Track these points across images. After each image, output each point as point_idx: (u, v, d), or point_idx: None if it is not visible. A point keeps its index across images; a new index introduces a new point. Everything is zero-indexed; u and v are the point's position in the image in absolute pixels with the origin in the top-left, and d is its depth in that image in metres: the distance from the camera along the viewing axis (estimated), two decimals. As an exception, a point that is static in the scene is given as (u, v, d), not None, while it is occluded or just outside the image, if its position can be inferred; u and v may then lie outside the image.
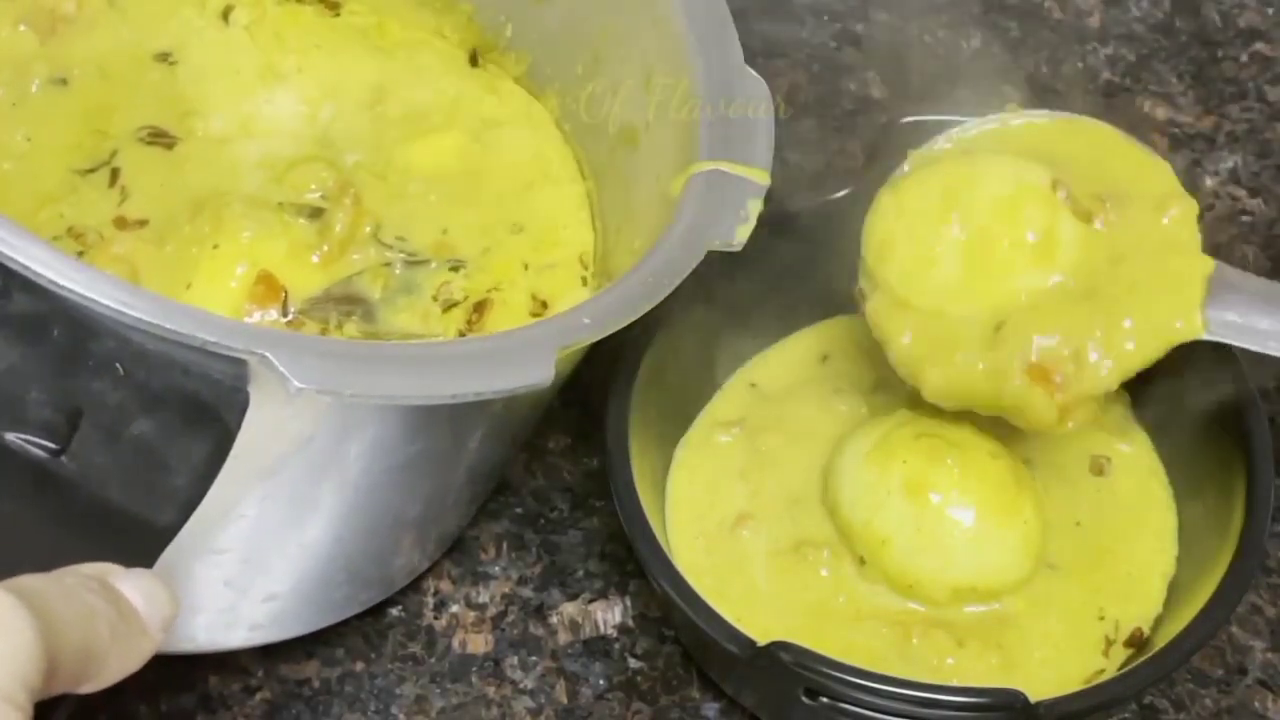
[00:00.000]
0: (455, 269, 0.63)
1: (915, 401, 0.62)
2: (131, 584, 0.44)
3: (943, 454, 0.60)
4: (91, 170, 0.63)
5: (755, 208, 0.58)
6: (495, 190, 0.66)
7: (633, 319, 0.54)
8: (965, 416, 0.61)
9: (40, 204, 0.62)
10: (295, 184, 0.63)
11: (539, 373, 0.50)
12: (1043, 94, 0.81)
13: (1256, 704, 0.62)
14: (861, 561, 0.61)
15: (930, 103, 0.80)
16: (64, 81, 0.65)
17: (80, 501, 0.46)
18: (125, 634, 0.43)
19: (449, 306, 0.62)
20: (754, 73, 0.62)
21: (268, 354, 0.46)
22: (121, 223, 0.61)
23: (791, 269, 0.68)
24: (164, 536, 0.47)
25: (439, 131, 0.67)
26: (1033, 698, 0.54)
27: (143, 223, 0.61)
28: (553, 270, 0.64)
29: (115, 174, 0.63)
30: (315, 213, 0.62)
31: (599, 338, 0.53)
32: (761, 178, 0.59)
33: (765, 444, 0.65)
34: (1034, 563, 0.61)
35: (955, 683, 0.58)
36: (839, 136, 0.80)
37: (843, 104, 0.81)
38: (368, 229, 0.62)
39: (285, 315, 0.59)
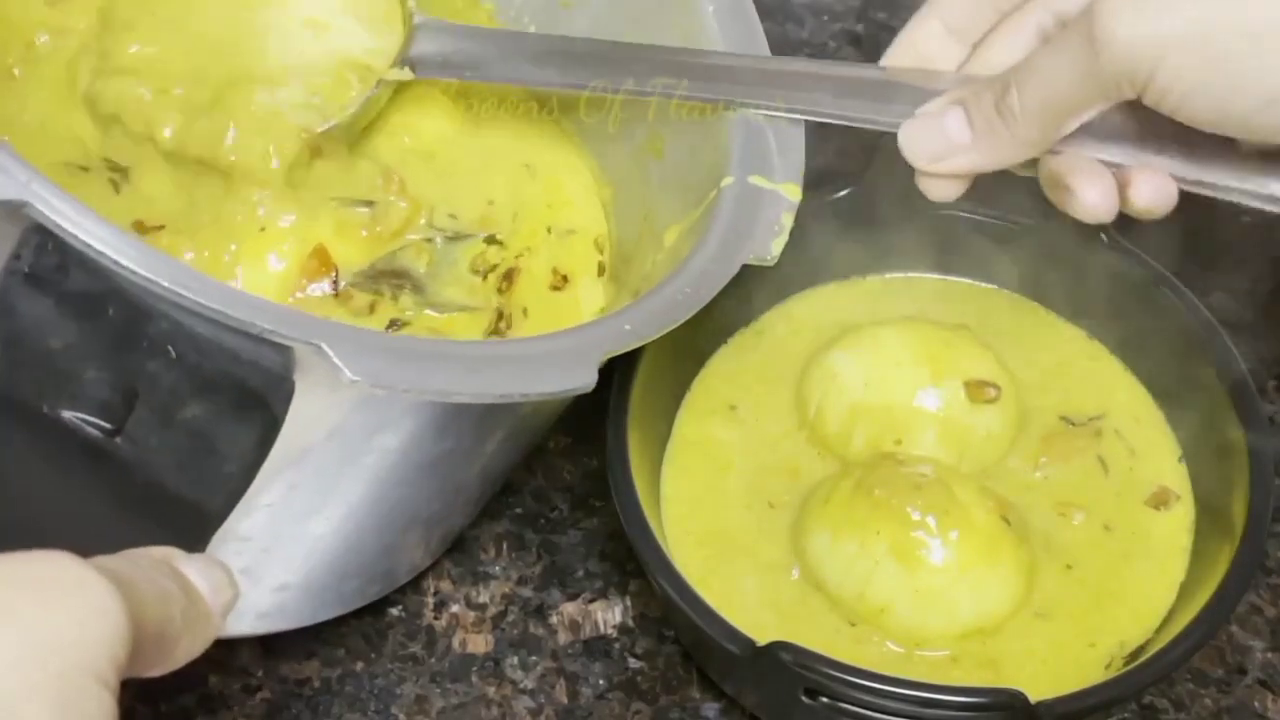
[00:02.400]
0: (490, 241, 0.63)
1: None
2: (196, 568, 0.44)
3: (910, 508, 0.59)
4: (122, 169, 0.63)
5: (789, 221, 0.59)
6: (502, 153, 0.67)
7: (672, 327, 0.55)
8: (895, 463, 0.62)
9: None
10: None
11: (583, 377, 0.51)
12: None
13: (1256, 704, 0.62)
14: (851, 624, 0.60)
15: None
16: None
17: (135, 483, 0.46)
18: (194, 618, 0.43)
19: (483, 274, 0.62)
20: None
21: (323, 345, 0.47)
22: (140, 227, 0.62)
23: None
24: (213, 522, 0.47)
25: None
26: (1032, 698, 0.54)
27: (160, 227, 0.62)
28: (572, 237, 0.65)
29: (125, 173, 0.63)
30: (366, 203, 0.62)
31: (640, 344, 0.54)
32: (794, 193, 0.60)
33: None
34: (1029, 583, 0.61)
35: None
36: (839, 136, 0.79)
37: (843, 104, 0.81)
38: (423, 220, 0.63)
39: (336, 289, 0.60)
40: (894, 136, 0.65)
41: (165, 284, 0.46)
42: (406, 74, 0.64)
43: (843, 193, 0.68)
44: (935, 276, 0.70)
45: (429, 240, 0.63)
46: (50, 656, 0.37)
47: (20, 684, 0.37)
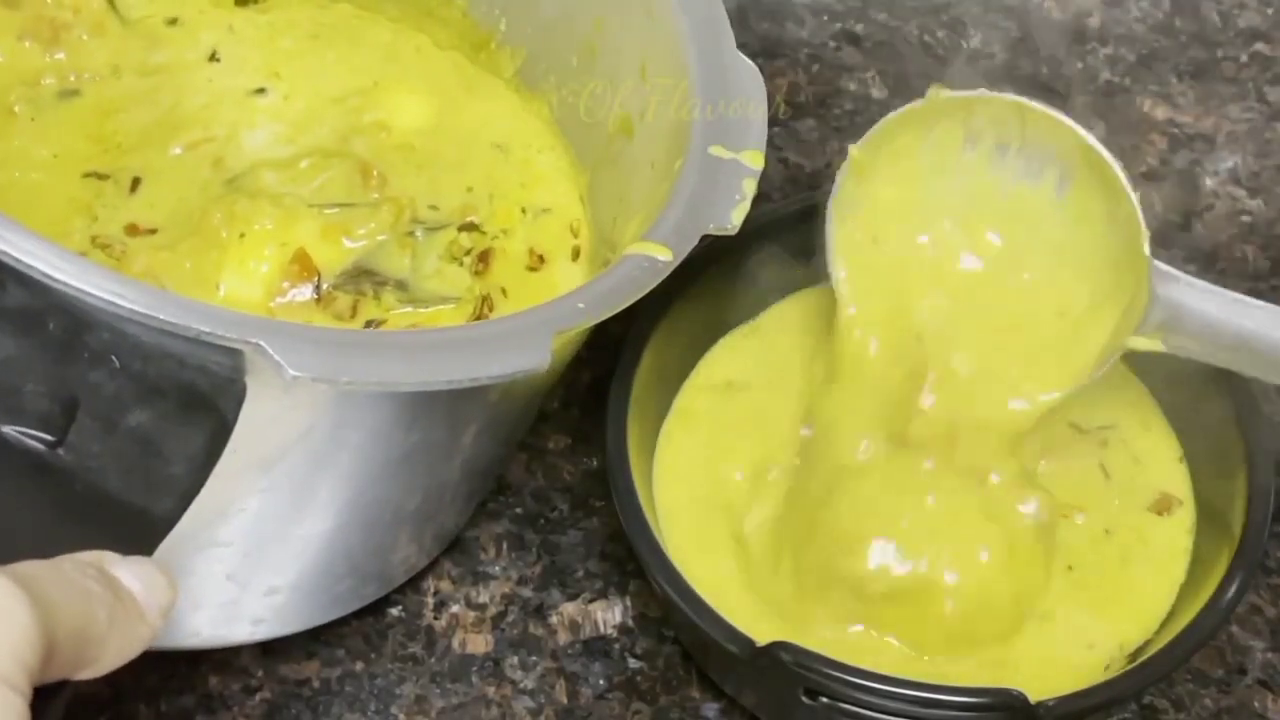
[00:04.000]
0: (467, 228, 0.64)
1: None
2: (129, 570, 0.44)
3: (915, 515, 0.59)
4: (105, 177, 0.63)
5: (751, 189, 0.58)
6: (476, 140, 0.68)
7: (628, 303, 0.54)
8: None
9: (66, 214, 0.62)
10: (311, 179, 0.64)
11: (535, 357, 0.50)
12: (1043, 94, 0.81)
13: (1256, 704, 0.62)
14: (852, 624, 0.60)
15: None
16: (76, 92, 0.66)
17: (78, 493, 0.46)
18: (123, 619, 0.43)
19: (459, 259, 0.62)
20: (745, 58, 0.62)
21: (262, 343, 0.46)
22: (133, 230, 0.62)
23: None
24: (162, 527, 0.47)
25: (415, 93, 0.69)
26: (1032, 698, 0.54)
27: (153, 230, 0.62)
28: (547, 217, 0.65)
29: (135, 182, 0.63)
30: (345, 206, 0.62)
31: (595, 322, 0.53)
32: (755, 161, 0.59)
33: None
34: (1032, 586, 0.60)
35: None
36: (839, 136, 0.80)
37: (843, 104, 0.81)
38: (408, 214, 0.63)
39: (318, 293, 0.60)
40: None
41: (98, 294, 0.46)
42: (1155, 345, 0.60)
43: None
44: None
45: (410, 234, 0.63)
46: None
47: None
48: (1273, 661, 0.63)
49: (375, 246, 0.62)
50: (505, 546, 0.65)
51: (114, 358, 0.47)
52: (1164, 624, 0.60)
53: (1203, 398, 0.64)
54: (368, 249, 0.61)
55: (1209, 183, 0.79)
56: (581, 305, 0.53)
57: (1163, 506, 0.63)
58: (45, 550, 0.43)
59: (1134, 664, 0.58)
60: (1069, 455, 0.65)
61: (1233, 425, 0.62)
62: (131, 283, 0.47)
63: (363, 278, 0.61)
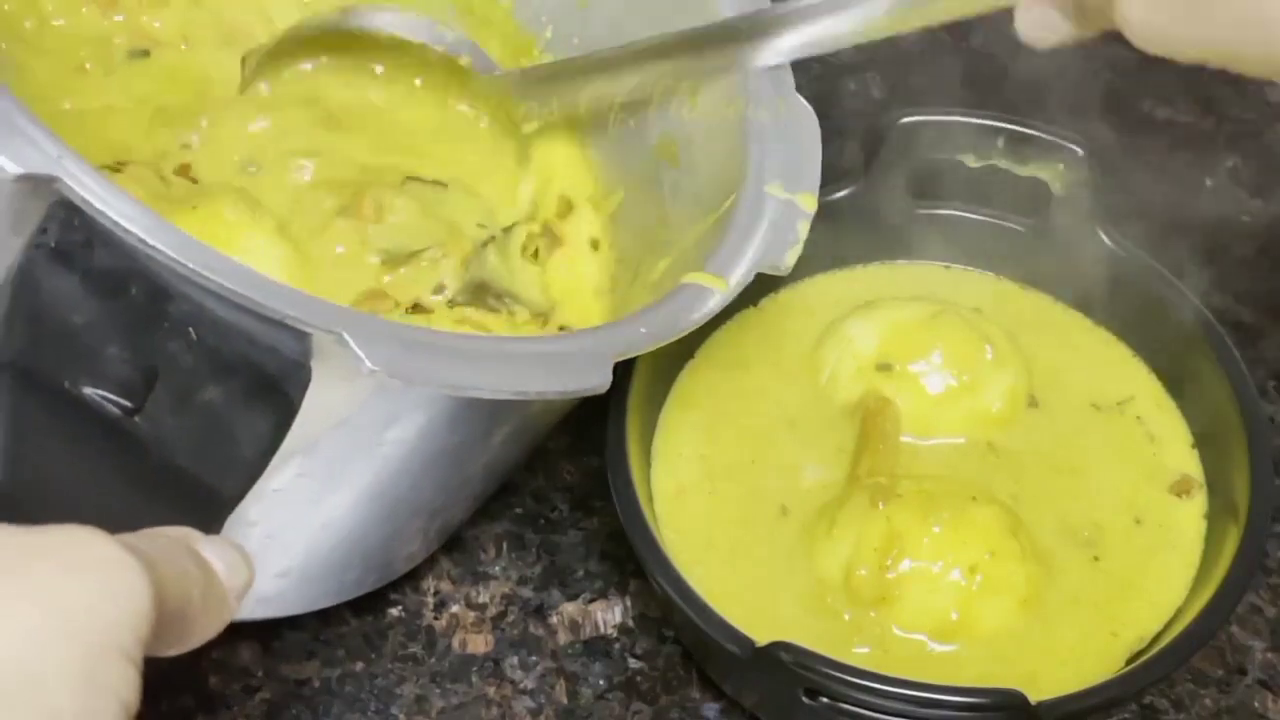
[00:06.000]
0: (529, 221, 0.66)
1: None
2: (214, 550, 0.44)
3: (920, 524, 0.59)
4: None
5: (804, 231, 0.59)
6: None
7: (685, 332, 0.55)
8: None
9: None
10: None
11: (598, 378, 0.52)
12: (1043, 94, 0.81)
13: (1256, 704, 0.62)
14: (852, 625, 0.60)
15: (930, 103, 0.81)
16: (145, 52, 0.66)
17: (152, 463, 0.46)
18: (211, 599, 0.43)
19: (534, 252, 0.65)
20: (802, 100, 0.62)
21: (345, 334, 0.47)
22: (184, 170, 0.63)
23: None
24: (228, 505, 0.47)
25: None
26: (1033, 698, 0.54)
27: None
28: (572, 214, 0.67)
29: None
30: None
31: (654, 348, 0.54)
32: (809, 204, 0.60)
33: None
34: (1037, 592, 0.60)
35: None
36: (839, 136, 0.80)
37: (843, 104, 0.81)
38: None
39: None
40: (893, 134, 0.65)
41: (190, 265, 0.46)
42: None
43: (842, 193, 0.68)
44: (940, 264, 0.70)
45: (489, 240, 0.64)
46: (78, 630, 0.37)
47: (46, 656, 0.36)
48: (1273, 661, 0.63)
49: (474, 257, 0.63)
50: (505, 546, 0.65)
51: (191, 330, 0.47)
52: (1174, 618, 0.60)
53: (1206, 397, 0.64)
54: (475, 262, 0.63)
55: (1209, 183, 0.79)
56: (644, 330, 0.54)
57: (1183, 488, 0.63)
58: (116, 515, 0.42)
59: (1134, 664, 0.58)
60: (1088, 435, 0.65)
61: (1234, 425, 0.62)
62: (223, 257, 0.47)
63: (481, 292, 0.62)
